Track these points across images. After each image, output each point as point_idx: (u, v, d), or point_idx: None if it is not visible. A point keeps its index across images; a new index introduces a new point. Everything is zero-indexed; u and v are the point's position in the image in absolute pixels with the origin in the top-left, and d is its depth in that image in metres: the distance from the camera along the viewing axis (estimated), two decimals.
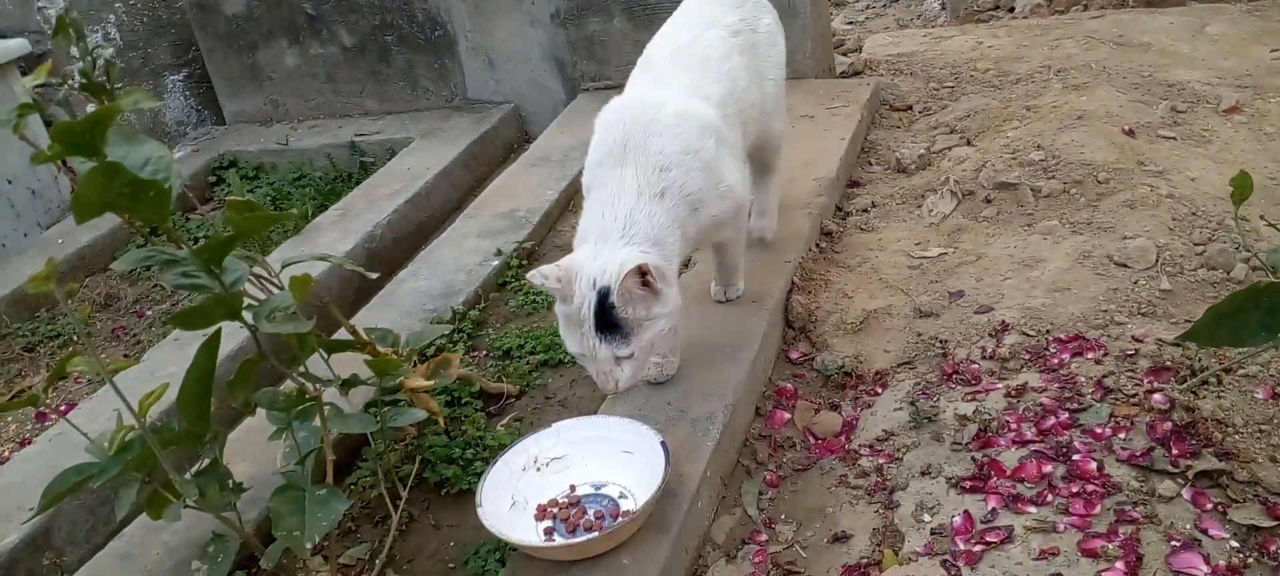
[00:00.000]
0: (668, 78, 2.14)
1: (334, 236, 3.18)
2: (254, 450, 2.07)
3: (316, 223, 3.38)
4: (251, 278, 1.81)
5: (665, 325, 1.81)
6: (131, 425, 1.57)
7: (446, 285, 2.75)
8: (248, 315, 1.59)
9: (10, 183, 3.81)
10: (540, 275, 1.77)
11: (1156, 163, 2.65)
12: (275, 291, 1.76)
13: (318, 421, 1.79)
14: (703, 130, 1.97)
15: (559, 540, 1.72)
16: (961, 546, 1.69)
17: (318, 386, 1.72)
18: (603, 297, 1.72)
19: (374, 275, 2.17)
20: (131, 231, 3.57)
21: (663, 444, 1.80)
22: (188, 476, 1.65)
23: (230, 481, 1.68)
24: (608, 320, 1.74)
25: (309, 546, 1.57)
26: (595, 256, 1.76)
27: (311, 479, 1.72)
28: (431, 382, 1.93)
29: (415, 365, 2.00)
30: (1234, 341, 1.18)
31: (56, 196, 3.99)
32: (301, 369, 1.72)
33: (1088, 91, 3.11)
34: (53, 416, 2.71)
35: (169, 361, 2.51)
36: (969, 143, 3.02)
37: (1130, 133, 2.80)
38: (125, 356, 2.95)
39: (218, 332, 1.58)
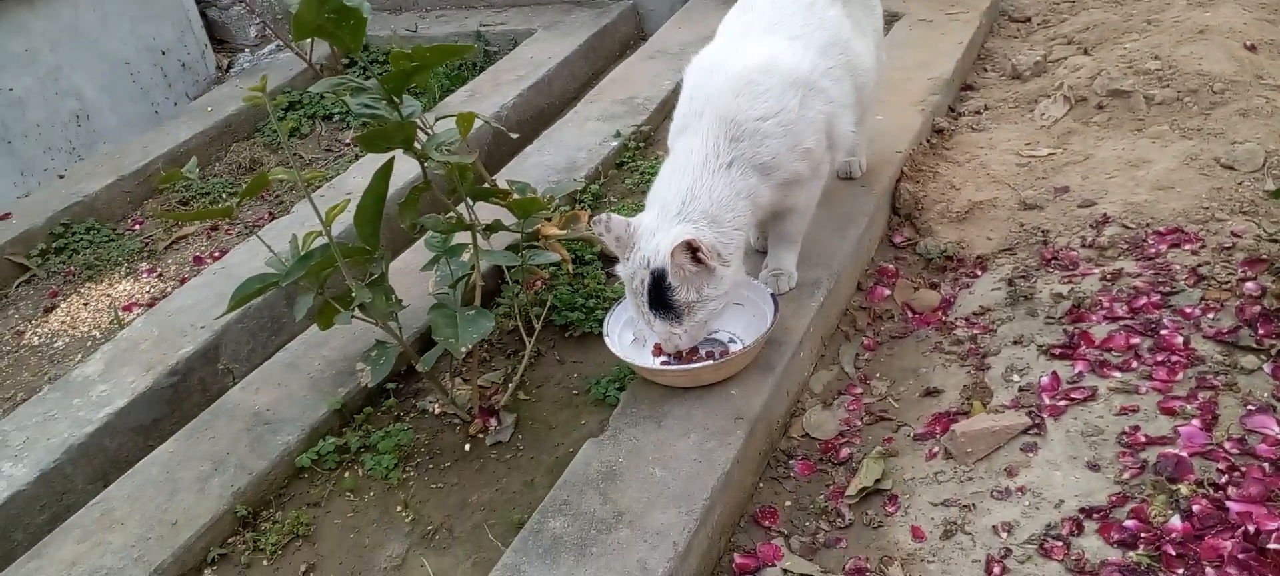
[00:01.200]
0: (762, 22, 2.04)
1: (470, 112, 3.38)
2: (404, 285, 2.29)
3: (446, 103, 3.59)
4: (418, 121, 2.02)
5: (718, 305, 1.79)
6: (315, 232, 1.80)
7: (569, 161, 2.94)
8: (419, 146, 1.80)
9: (164, 54, 4.12)
10: (602, 224, 1.75)
11: (1275, 77, 2.66)
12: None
13: (466, 256, 2.01)
14: (788, 87, 1.88)
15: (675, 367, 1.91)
16: (1047, 401, 1.82)
17: (472, 218, 1.93)
18: (657, 279, 1.74)
19: (515, 134, 2.37)
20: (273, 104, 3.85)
21: (773, 297, 1.97)
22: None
23: (393, 295, 1.91)
24: (661, 299, 1.76)
25: (463, 350, 1.80)
26: (654, 232, 1.76)
27: (460, 302, 1.94)
28: (564, 232, 2.13)
29: (549, 219, 2.20)
30: None
31: (203, 69, 4.30)
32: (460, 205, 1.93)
33: (1213, 7, 3.10)
34: (209, 259, 3.02)
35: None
36: (1086, 52, 3.06)
37: (1252, 48, 2.81)
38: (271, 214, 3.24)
39: (391, 159, 1.80)
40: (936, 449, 1.82)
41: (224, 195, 3.39)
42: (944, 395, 1.96)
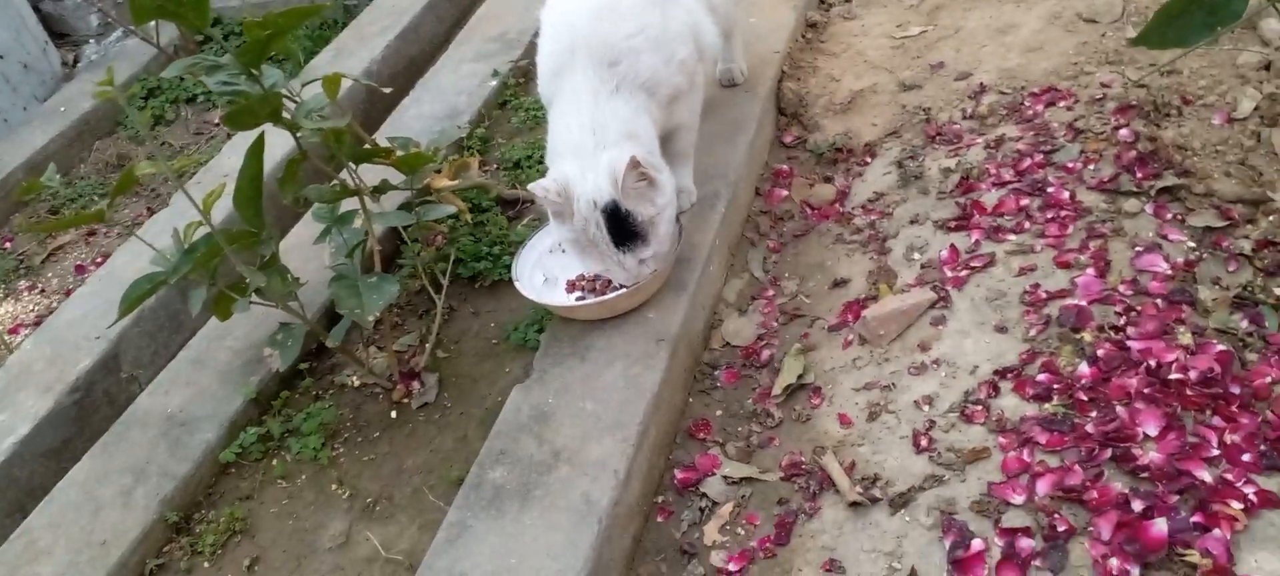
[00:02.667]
0: None
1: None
2: (299, 260, 2.23)
3: (312, 66, 3.45)
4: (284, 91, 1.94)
5: (672, 210, 1.80)
6: (196, 222, 1.73)
7: (449, 107, 2.87)
8: (288, 116, 1.73)
9: (2, 58, 3.85)
10: (541, 188, 1.71)
11: None
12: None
13: (358, 222, 1.96)
14: (647, 3, 1.88)
15: (590, 302, 1.91)
16: (949, 273, 1.89)
17: (358, 182, 1.87)
18: (612, 212, 1.71)
19: (387, 89, 2.30)
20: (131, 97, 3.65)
21: (675, 218, 1.97)
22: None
23: (289, 275, 1.85)
24: (624, 231, 1.73)
25: (371, 319, 1.76)
26: (583, 175, 1.71)
27: (361, 270, 1.90)
28: (456, 182, 2.09)
29: (438, 171, 2.16)
30: (1180, 41, 1.33)
31: (47, 68, 4.03)
32: (342, 172, 1.88)
33: None
34: (91, 266, 2.87)
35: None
36: None
37: None
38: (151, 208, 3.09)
39: (262, 135, 1.73)
40: (851, 337, 1.87)
41: (95, 198, 3.21)
42: (851, 284, 2.00)
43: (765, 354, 1.92)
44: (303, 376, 2.09)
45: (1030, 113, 2.22)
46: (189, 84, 3.72)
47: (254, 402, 2.02)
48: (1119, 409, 1.48)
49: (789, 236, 2.22)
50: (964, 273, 1.87)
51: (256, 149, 1.73)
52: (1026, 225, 1.92)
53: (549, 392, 1.77)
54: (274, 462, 1.94)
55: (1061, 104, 2.20)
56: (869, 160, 2.34)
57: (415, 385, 2.00)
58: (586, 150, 1.76)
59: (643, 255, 1.77)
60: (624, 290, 1.84)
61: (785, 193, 2.34)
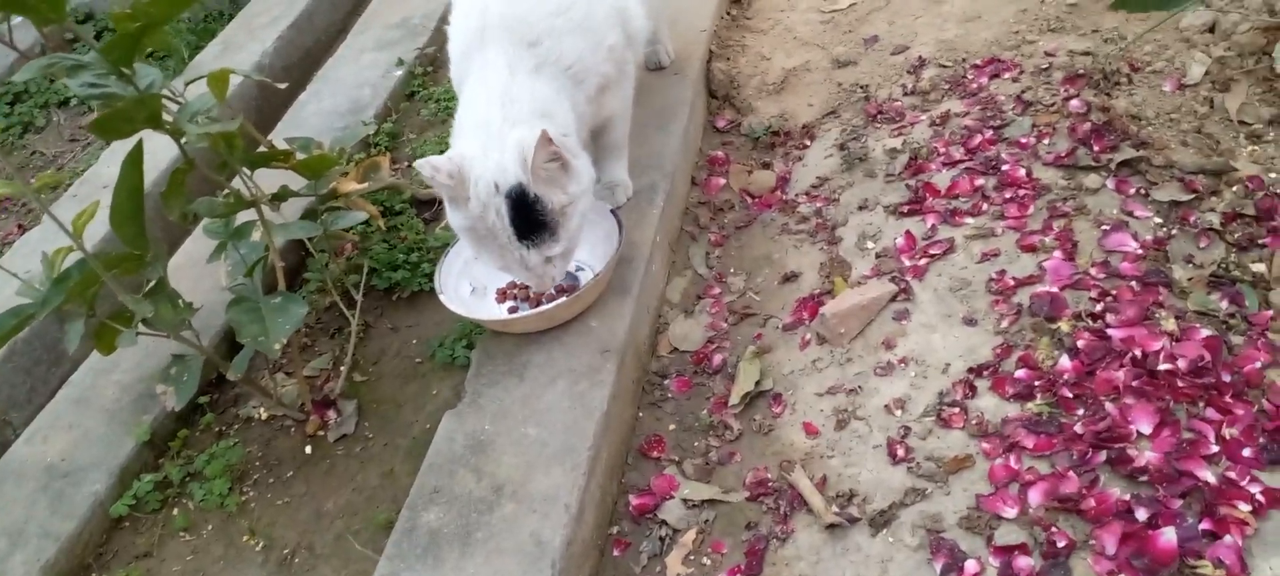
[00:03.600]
0: None
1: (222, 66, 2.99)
2: (192, 280, 1.99)
3: (197, 62, 3.16)
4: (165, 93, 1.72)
5: (586, 201, 1.59)
6: (67, 247, 1.49)
7: (352, 101, 2.64)
8: (170, 120, 1.51)
9: None
10: (429, 166, 1.50)
11: None
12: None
13: (257, 236, 1.74)
14: None
15: (525, 312, 1.73)
16: (907, 262, 1.77)
17: (254, 191, 1.65)
18: (517, 198, 1.50)
19: (282, 85, 2.07)
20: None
21: (613, 213, 1.81)
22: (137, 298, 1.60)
23: (180, 300, 1.63)
24: (530, 221, 1.52)
25: (277, 347, 1.55)
26: (485, 153, 1.51)
27: (263, 291, 1.68)
28: (365, 185, 1.88)
29: (345, 174, 1.95)
30: (1162, 4, 1.24)
31: None
32: (235, 179, 1.66)
33: None
34: None
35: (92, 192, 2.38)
36: None
37: None
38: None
39: (140, 144, 1.50)
40: (809, 336, 1.74)
41: None
42: (803, 278, 1.87)
43: (717, 358, 1.77)
44: (202, 411, 1.87)
45: (974, 86, 2.12)
46: (60, 88, 3.39)
47: (148, 445, 1.79)
48: (1108, 405, 1.38)
49: (731, 228, 2.08)
50: (923, 261, 1.75)
51: (134, 159, 1.50)
52: (984, 206, 1.82)
53: (485, 418, 1.60)
54: (174, 513, 1.71)
55: (1006, 75, 2.11)
56: (808, 143, 2.22)
57: (331, 415, 1.80)
58: (492, 127, 1.56)
59: (550, 251, 1.56)
60: (562, 299, 1.67)
61: (723, 181, 2.20)
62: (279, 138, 2.58)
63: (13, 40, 1.54)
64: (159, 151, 1.88)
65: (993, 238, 1.75)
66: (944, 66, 2.21)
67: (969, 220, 1.80)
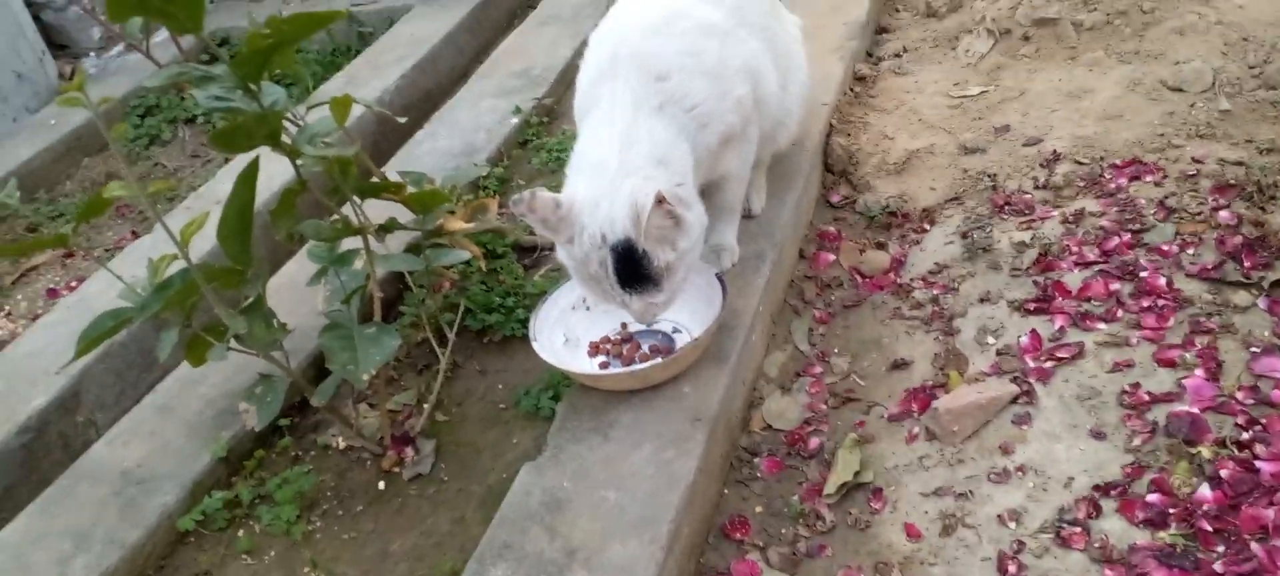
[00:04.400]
0: None
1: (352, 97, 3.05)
2: (289, 302, 1.99)
3: (321, 92, 3.24)
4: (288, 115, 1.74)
5: (695, 253, 1.57)
6: (172, 255, 1.49)
7: (466, 144, 2.65)
8: (288, 140, 1.50)
9: None
10: (525, 204, 1.46)
11: None
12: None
13: (359, 264, 1.72)
14: (704, 32, 1.70)
15: (617, 368, 1.66)
16: (1031, 363, 1.65)
17: (362, 219, 1.64)
18: (623, 252, 1.48)
19: (402, 119, 2.08)
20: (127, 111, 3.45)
21: (718, 277, 1.74)
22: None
23: (275, 320, 1.61)
24: (635, 274, 1.49)
25: (366, 377, 1.52)
26: (597, 203, 1.48)
27: (358, 319, 1.66)
28: (472, 225, 1.85)
29: (452, 212, 1.93)
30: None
31: (43, 79, 3.82)
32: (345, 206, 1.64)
33: None
34: (64, 290, 2.63)
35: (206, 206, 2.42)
36: None
37: None
38: (134, 234, 2.86)
39: (257, 160, 1.50)
40: (917, 430, 1.62)
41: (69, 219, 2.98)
42: (913, 367, 1.76)
43: (814, 441, 1.67)
44: (281, 434, 1.84)
45: (1112, 186, 1.99)
46: (189, 104, 3.51)
47: (223, 462, 1.77)
48: (1254, 545, 1.23)
49: (838, 306, 1.98)
50: (1049, 364, 1.63)
51: (249, 175, 1.49)
52: (1119, 313, 1.68)
53: (565, 475, 1.52)
54: (240, 534, 1.68)
55: (1148, 178, 1.98)
56: (928, 227, 2.11)
57: (409, 452, 1.75)
58: (607, 170, 1.53)
59: (654, 299, 1.54)
60: (657, 361, 1.59)
61: (832, 257, 2.11)
62: (392, 170, 2.60)
63: (150, 51, 1.57)
64: (275, 173, 1.88)
65: (1127, 347, 1.61)
66: (1080, 163, 2.09)
67: (1101, 326, 1.67)
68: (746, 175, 1.87)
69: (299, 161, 1.53)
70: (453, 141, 2.67)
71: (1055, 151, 2.14)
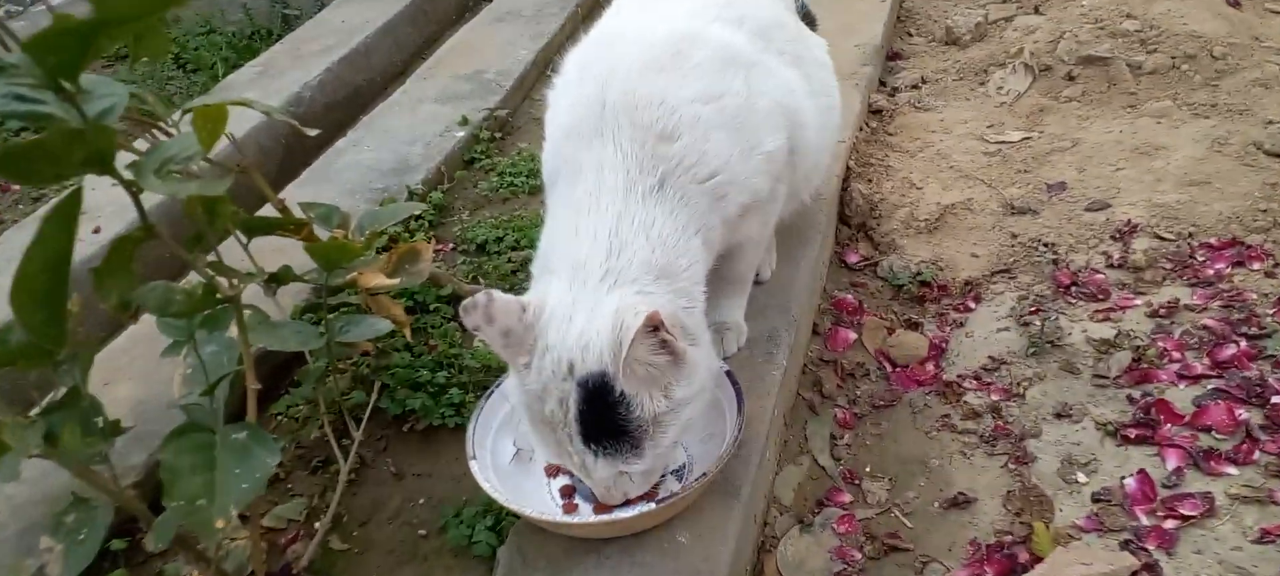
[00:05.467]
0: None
1: (251, 98, 2.53)
2: (144, 368, 1.50)
3: (228, 82, 2.74)
4: (138, 119, 1.25)
5: (694, 411, 1.11)
6: None
7: (399, 159, 2.16)
8: (127, 172, 1.01)
9: None
10: (480, 314, 1.04)
11: (1274, 38, 2.19)
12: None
13: (233, 331, 1.23)
14: (726, 63, 1.25)
15: (587, 510, 1.19)
16: (1144, 519, 1.23)
17: (235, 281, 1.14)
18: (594, 391, 1.03)
19: (312, 132, 1.58)
20: None
21: (729, 376, 1.29)
22: (34, 413, 1.09)
23: (99, 419, 1.12)
24: (605, 423, 1.05)
25: (220, 524, 1.03)
26: (570, 316, 1.06)
27: (224, 415, 1.17)
28: (396, 282, 1.37)
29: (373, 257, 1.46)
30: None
31: None
32: (211, 255, 1.15)
33: None
34: None
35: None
36: (1037, 10, 2.52)
37: (1235, 3, 2.33)
38: None
39: (77, 195, 1.00)
40: None
41: None
42: (977, 507, 1.33)
43: None
44: (113, 561, 1.34)
45: (1210, 272, 1.60)
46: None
47: None
48: None
49: (865, 404, 1.55)
50: (1170, 523, 1.21)
51: (64, 214, 1.00)
52: (1254, 453, 1.28)
53: None
54: None
55: (1254, 265, 1.59)
56: (972, 305, 1.70)
57: None
58: (590, 274, 1.08)
59: (628, 465, 1.07)
60: (646, 507, 1.13)
61: (854, 336, 1.68)
62: (304, 185, 2.11)
63: None
64: (122, 209, 1.39)
65: (1273, 505, 1.20)
66: (1163, 238, 1.69)
67: (1231, 469, 1.26)
68: (766, 241, 1.44)
69: (140, 194, 1.03)
70: (382, 154, 2.18)
71: (1130, 222, 1.74)
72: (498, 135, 2.29)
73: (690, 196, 1.16)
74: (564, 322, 1.04)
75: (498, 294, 1.04)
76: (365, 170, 2.13)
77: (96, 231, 1.87)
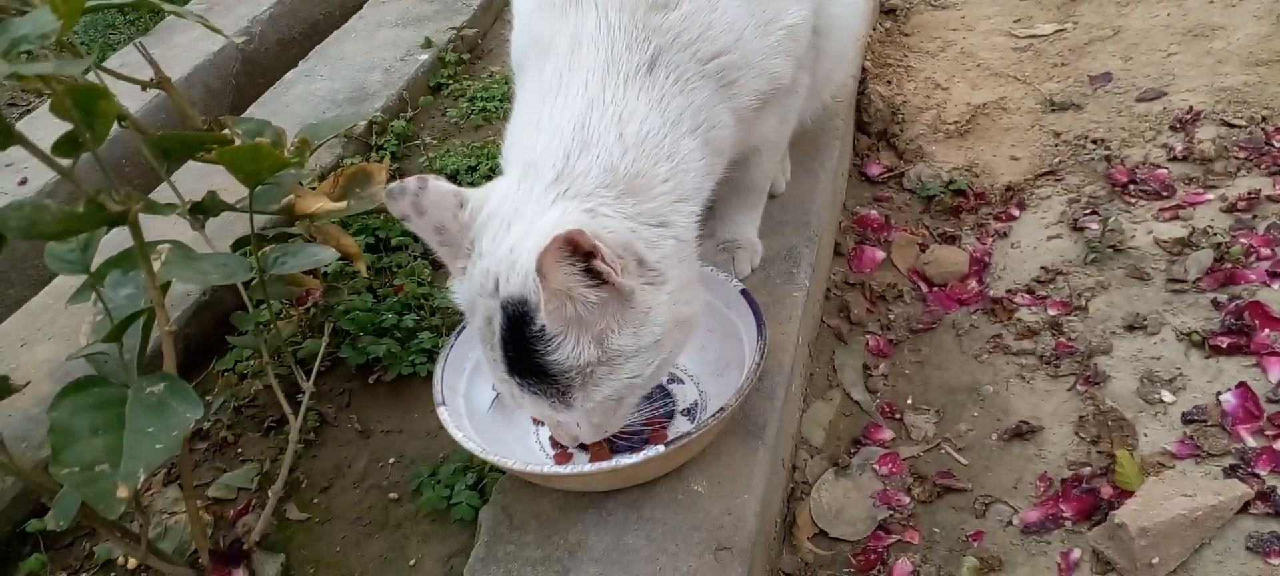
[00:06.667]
0: None
1: (195, 35, 2.29)
2: (69, 324, 1.29)
3: (170, 21, 2.49)
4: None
5: (645, 367, 0.88)
6: None
7: (356, 87, 1.94)
8: None
9: None
10: (407, 200, 0.86)
11: None
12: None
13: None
14: None
15: (582, 459, 0.98)
16: (1250, 440, 1.03)
17: (132, 201, 0.92)
18: (513, 318, 0.84)
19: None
20: None
21: (745, 295, 1.08)
22: None
23: None
24: (527, 357, 0.85)
25: (122, 494, 0.82)
26: (509, 221, 0.87)
27: (139, 366, 0.96)
28: (343, 205, 1.15)
29: (313, 185, 1.24)
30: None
31: None
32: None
33: None
34: None
35: None
36: None
37: None
38: None
39: None
40: (1078, 553, 0.99)
41: None
42: (1043, 437, 1.13)
43: (900, 566, 1.03)
44: (31, 545, 1.13)
45: None
46: None
47: None
48: None
49: (902, 329, 1.35)
50: None
51: None
52: None
53: None
54: None
55: None
56: (1016, 213, 1.49)
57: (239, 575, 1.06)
58: (541, 175, 0.87)
59: (554, 414, 0.89)
60: (653, 451, 0.92)
61: (882, 254, 1.47)
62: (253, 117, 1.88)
63: None
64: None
65: None
66: (1231, 125, 1.49)
67: None
68: (784, 143, 1.22)
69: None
70: (336, 83, 1.96)
71: (1192, 110, 1.53)
72: (466, 57, 2.06)
73: (688, 82, 0.93)
74: (501, 229, 0.85)
75: (433, 180, 0.84)
76: (318, 101, 1.90)
77: (22, 182, 1.67)
